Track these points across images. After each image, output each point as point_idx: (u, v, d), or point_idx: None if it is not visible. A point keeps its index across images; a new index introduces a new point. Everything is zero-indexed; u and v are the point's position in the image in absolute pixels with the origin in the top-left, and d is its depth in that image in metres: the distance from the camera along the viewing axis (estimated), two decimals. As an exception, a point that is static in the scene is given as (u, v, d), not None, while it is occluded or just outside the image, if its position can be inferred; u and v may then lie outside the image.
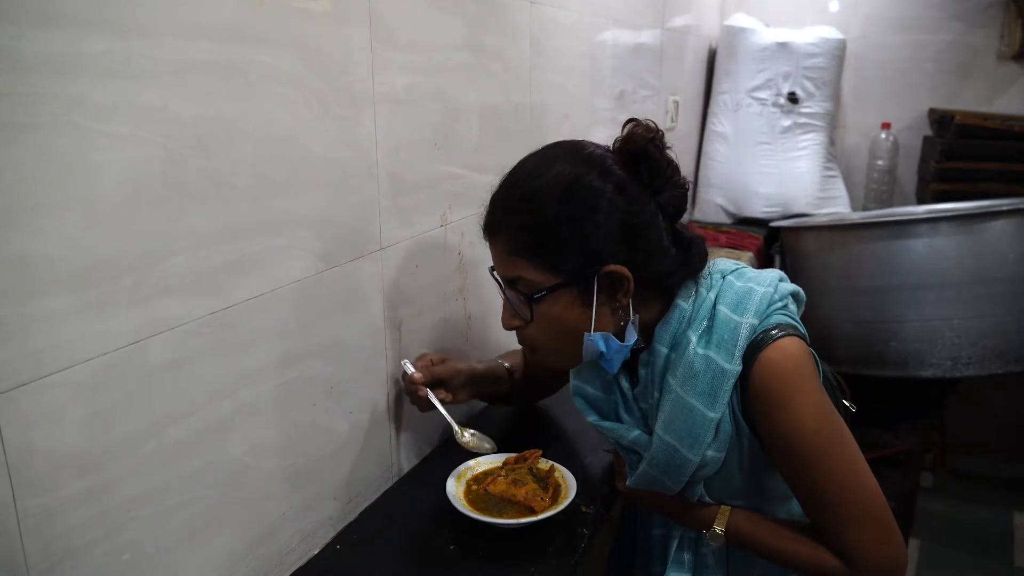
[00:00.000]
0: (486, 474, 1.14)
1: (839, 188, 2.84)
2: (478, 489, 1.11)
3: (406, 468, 1.23)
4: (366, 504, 1.13)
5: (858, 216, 2.66)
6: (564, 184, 0.89)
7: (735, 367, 0.90)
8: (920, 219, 2.04)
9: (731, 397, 0.92)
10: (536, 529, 1.05)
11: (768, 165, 2.76)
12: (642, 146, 0.91)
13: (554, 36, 1.57)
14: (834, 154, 2.90)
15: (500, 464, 1.16)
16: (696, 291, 0.95)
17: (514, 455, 1.17)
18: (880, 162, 2.90)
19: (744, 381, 0.91)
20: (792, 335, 0.91)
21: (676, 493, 0.99)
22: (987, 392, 2.66)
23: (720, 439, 0.93)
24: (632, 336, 0.94)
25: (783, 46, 2.76)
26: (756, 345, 0.90)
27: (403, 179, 1.12)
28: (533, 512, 1.05)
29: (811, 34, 2.78)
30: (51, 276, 0.65)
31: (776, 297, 0.94)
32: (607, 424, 1.04)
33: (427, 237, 1.20)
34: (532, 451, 1.16)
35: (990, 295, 1.98)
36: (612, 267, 0.89)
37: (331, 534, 1.06)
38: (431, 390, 1.12)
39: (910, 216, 2.10)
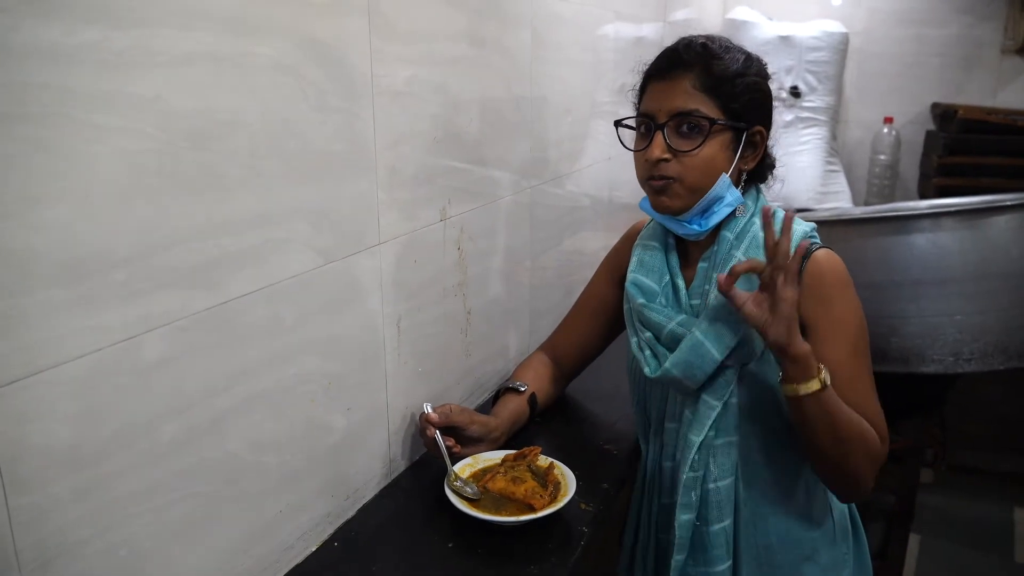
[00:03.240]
0: (485, 471, 1.13)
1: (841, 183, 2.82)
2: (477, 486, 1.10)
3: (404, 465, 1.22)
4: (364, 501, 1.12)
5: (860, 211, 2.64)
6: (747, 51, 1.11)
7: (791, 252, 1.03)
8: (922, 214, 2.03)
9: None
10: (535, 527, 1.04)
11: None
12: (761, 60, 1.14)
13: (555, 28, 1.56)
14: (836, 148, 2.88)
15: (499, 461, 1.15)
16: (759, 198, 1.14)
17: (513, 452, 1.16)
18: (882, 157, 2.89)
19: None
20: (832, 250, 1.07)
21: (710, 379, 1.06)
22: (987, 387, 2.65)
23: None
24: (740, 196, 1.09)
25: (785, 40, 2.75)
26: (807, 249, 1.04)
27: (402, 172, 1.11)
28: (532, 510, 1.04)
29: (814, 28, 2.77)
30: (42, 270, 0.64)
31: (815, 229, 1.11)
32: (655, 306, 1.13)
33: (426, 231, 1.19)
34: (531, 448, 1.16)
35: (992, 291, 1.97)
36: (760, 128, 1.09)
37: (329, 531, 1.05)
38: (442, 434, 1.14)
39: (912, 211, 2.08)
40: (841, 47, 2.77)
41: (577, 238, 1.83)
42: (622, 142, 1.15)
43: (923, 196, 2.82)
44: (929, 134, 2.85)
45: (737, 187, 1.09)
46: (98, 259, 0.68)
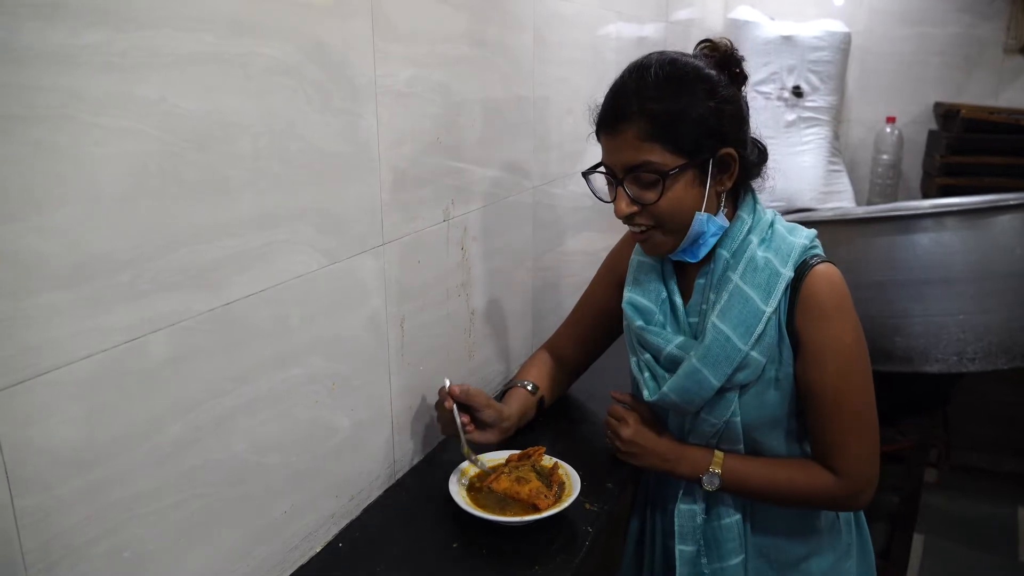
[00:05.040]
0: (489, 471, 1.13)
1: (844, 182, 2.82)
2: (481, 486, 1.10)
3: (408, 465, 1.22)
4: (368, 501, 1.12)
5: (863, 211, 2.64)
6: (690, 74, 1.00)
7: (788, 272, 1.02)
8: (925, 214, 2.03)
9: (780, 303, 1.02)
10: (539, 527, 1.04)
11: (772, 159, 2.74)
12: (728, 51, 1.05)
13: (557, 28, 1.56)
14: (839, 148, 2.88)
15: (503, 461, 1.15)
16: (755, 208, 1.08)
17: (517, 452, 1.16)
18: (885, 156, 2.88)
19: (794, 293, 1.02)
20: (833, 264, 1.04)
21: (709, 402, 1.05)
22: (991, 387, 2.64)
23: (764, 343, 1.02)
24: (724, 222, 1.06)
25: (788, 39, 2.74)
26: (806, 263, 1.03)
27: (405, 173, 1.11)
28: (537, 510, 1.04)
29: (816, 27, 2.76)
30: (47, 271, 0.64)
31: (815, 237, 1.08)
32: (653, 328, 1.11)
33: (430, 232, 1.19)
34: (535, 448, 1.15)
35: (996, 290, 1.96)
36: (726, 150, 1.01)
37: (333, 532, 1.05)
38: (459, 410, 1.14)
39: (915, 211, 2.08)
40: (843, 47, 2.76)
41: (580, 238, 1.83)
42: (593, 192, 1.11)
43: (926, 195, 2.82)
44: (932, 133, 2.84)
45: (720, 209, 1.06)
46: (103, 261, 0.68)
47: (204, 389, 0.81)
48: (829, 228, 2.23)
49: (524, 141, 1.48)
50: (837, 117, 2.85)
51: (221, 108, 0.78)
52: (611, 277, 1.29)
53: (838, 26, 2.78)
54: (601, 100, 1.05)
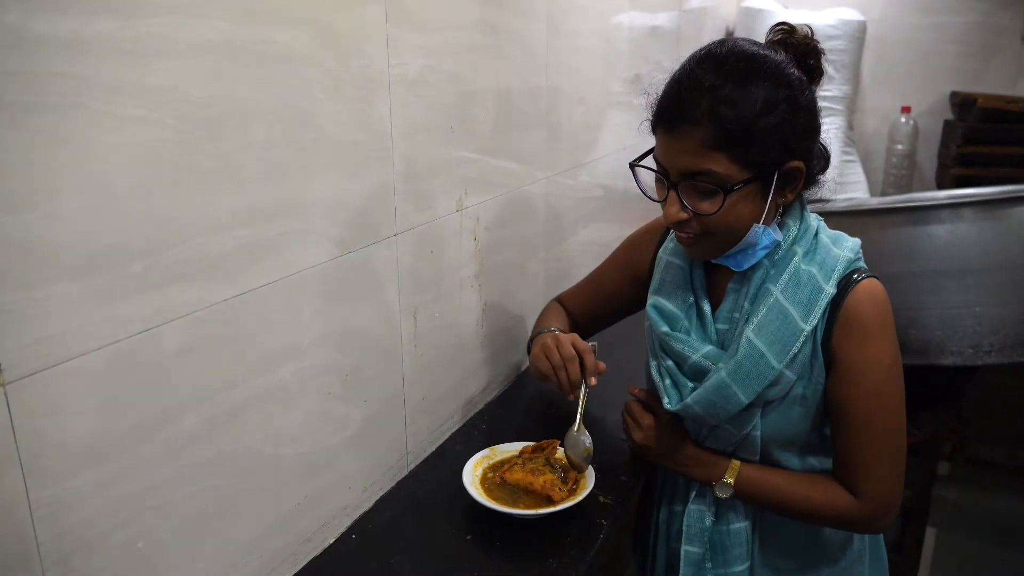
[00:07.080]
0: (502, 463, 1.13)
1: (858, 173, 2.79)
2: (494, 478, 1.10)
3: (421, 457, 1.21)
4: (381, 493, 1.12)
5: (877, 201, 2.61)
6: (771, 76, 0.90)
7: (831, 289, 0.96)
8: (941, 204, 2.00)
9: (818, 320, 0.97)
10: (553, 519, 1.03)
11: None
12: (807, 41, 0.96)
13: (570, 17, 1.54)
14: (852, 138, 2.85)
15: (516, 453, 1.14)
16: (802, 215, 1.02)
17: (531, 444, 1.15)
18: (899, 146, 2.85)
19: (834, 308, 0.97)
20: (877, 279, 0.98)
21: (733, 416, 1.01)
22: (1007, 380, 2.62)
23: (799, 361, 0.98)
24: (779, 235, 0.99)
25: (801, 28, 2.71)
26: (849, 278, 0.97)
27: (418, 163, 1.10)
28: (551, 502, 1.03)
29: (830, 16, 2.73)
30: (60, 262, 0.63)
31: (859, 249, 1.02)
32: (679, 335, 1.05)
33: (442, 222, 1.18)
34: (549, 441, 1.15)
35: (1013, 282, 1.94)
36: (795, 163, 0.94)
37: (346, 523, 1.05)
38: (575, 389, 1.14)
39: (930, 201, 2.05)
40: (858, 35, 2.73)
41: (591, 229, 1.82)
42: (639, 186, 1.02)
43: (941, 186, 2.79)
44: (947, 123, 2.81)
45: (775, 220, 0.99)
46: (115, 251, 0.68)
47: (217, 380, 0.80)
48: (843, 219, 2.21)
49: (536, 131, 1.46)
50: (851, 107, 2.83)
51: (233, 96, 0.77)
52: (627, 267, 1.24)
53: (853, 14, 2.75)
54: (660, 87, 0.96)
